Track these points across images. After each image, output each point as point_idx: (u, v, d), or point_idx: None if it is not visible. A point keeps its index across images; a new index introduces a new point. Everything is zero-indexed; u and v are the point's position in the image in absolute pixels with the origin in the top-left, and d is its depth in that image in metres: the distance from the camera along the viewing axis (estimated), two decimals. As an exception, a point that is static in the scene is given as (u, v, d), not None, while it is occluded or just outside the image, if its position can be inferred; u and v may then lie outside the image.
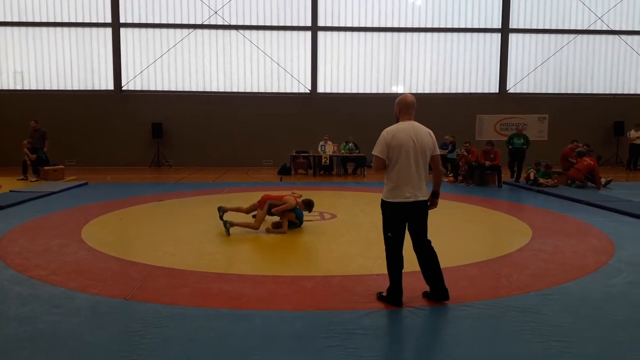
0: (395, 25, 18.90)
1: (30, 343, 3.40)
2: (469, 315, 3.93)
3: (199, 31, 18.37)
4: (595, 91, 19.59)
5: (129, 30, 18.26)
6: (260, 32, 18.52)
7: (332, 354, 3.30)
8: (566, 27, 19.20)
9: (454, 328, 3.70)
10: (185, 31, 18.28)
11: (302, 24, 18.60)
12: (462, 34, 19.03)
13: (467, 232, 7.28)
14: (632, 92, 19.67)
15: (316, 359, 3.23)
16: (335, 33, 18.79)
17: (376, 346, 3.47)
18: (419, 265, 4.19)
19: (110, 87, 18.33)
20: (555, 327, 3.70)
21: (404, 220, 4.10)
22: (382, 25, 18.86)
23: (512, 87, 19.31)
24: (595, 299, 4.34)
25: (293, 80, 18.79)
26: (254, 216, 7.19)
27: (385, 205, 4.12)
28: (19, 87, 18.20)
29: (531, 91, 19.45)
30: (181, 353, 3.26)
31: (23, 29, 18.00)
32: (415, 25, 18.93)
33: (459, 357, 3.22)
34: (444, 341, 3.47)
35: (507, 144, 13.73)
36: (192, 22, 18.26)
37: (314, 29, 18.59)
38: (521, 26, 19.15)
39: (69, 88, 18.28)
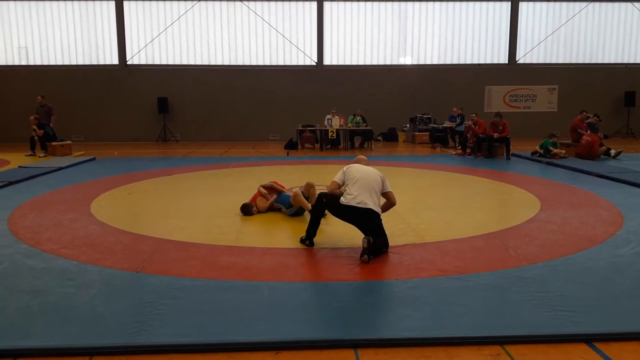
0: (403, -5, 18.55)
1: (44, 315, 3.47)
2: (477, 286, 3.96)
3: (203, 3, 18.13)
4: (606, 61, 19.22)
5: (132, 3, 18.04)
6: (265, 3, 18.24)
7: (338, 325, 3.35)
8: (578, -5, 18.77)
9: (461, 298, 3.73)
10: (189, 3, 18.04)
11: (307, -5, 18.31)
12: (471, 3, 18.64)
13: (475, 204, 7.27)
14: (644, 61, 19.31)
15: (322, 329, 3.28)
16: (341, 3, 18.47)
17: (384, 317, 3.52)
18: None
19: (115, 61, 18.23)
20: (562, 297, 3.72)
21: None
22: (389, -6, 18.51)
23: (522, 57, 18.99)
24: (602, 269, 4.35)
25: (299, 52, 18.59)
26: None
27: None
28: (23, 63, 18.15)
29: (541, 61, 19.12)
30: (192, 323, 3.32)
31: (26, 3, 17.84)
32: (423, -5, 18.57)
33: (467, 327, 3.26)
34: (452, 311, 3.50)
35: None
36: (195, -6, 18.04)
37: (320, -1, 18.29)
38: (531, -6, 18.75)
39: (73, 63, 18.21)
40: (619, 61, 19.24)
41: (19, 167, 10.65)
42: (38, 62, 18.16)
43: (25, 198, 7.49)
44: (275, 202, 6.71)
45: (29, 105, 14.97)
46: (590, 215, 6.33)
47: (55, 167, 10.51)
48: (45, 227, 5.87)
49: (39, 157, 12.93)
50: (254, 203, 6.66)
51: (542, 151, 12.24)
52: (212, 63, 18.48)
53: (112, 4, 17.92)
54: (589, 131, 12.67)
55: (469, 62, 19.00)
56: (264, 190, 6.77)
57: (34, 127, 13.30)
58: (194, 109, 18.27)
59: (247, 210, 6.54)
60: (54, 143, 13.46)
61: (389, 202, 5.08)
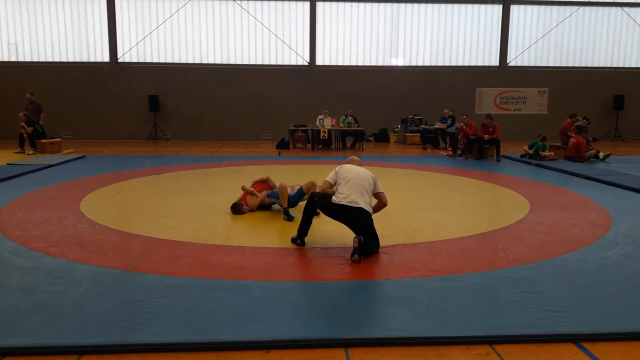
0: (395, -4, 18.61)
1: (33, 313, 3.44)
2: (467, 286, 3.99)
3: (195, 2, 18.06)
4: (596, 64, 19.42)
5: (124, 0, 17.93)
6: (258, 2, 18.21)
7: (329, 324, 3.35)
8: (568, -1, 18.95)
9: (451, 298, 3.75)
10: (181, 1, 17.96)
11: (300, -5, 18.30)
12: (462, 6, 18.74)
13: (465, 205, 7.32)
14: (633, 65, 19.51)
15: (313, 329, 3.28)
16: (334, 4, 18.48)
17: (374, 316, 3.53)
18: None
19: (106, 59, 18.10)
20: (550, 297, 3.75)
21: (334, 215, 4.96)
22: (382, -4, 18.56)
23: (513, 60, 19.13)
24: (591, 271, 4.40)
25: (291, 52, 18.57)
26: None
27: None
28: (13, 59, 17.95)
29: (532, 64, 19.27)
30: (182, 322, 3.31)
31: (16, -1, 17.68)
32: (416, -4, 18.63)
33: (457, 326, 3.28)
34: (443, 311, 3.52)
35: None
36: (188, -8, 17.96)
37: (313, -1, 18.29)
38: (523, -2, 18.89)
39: (64, 60, 18.05)
40: (608, 65, 19.44)
41: (8, 164, 10.53)
42: (28, 59, 17.98)
43: (13, 196, 7.42)
44: (268, 197, 6.73)
45: (18, 102, 14.80)
46: (579, 216, 6.39)
47: (45, 165, 10.42)
48: (33, 225, 5.82)
49: (28, 154, 12.81)
50: (244, 201, 6.65)
51: (531, 152, 12.35)
52: (204, 62, 18.41)
53: (104, 1, 17.79)
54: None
55: (460, 64, 19.11)
56: (249, 189, 6.78)
57: (23, 124, 13.17)
58: (185, 108, 18.18)
59: (237, 209, 6.53)
60: (43, 140, 13.33)
61: (381, 203, 5.09)
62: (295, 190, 6.69)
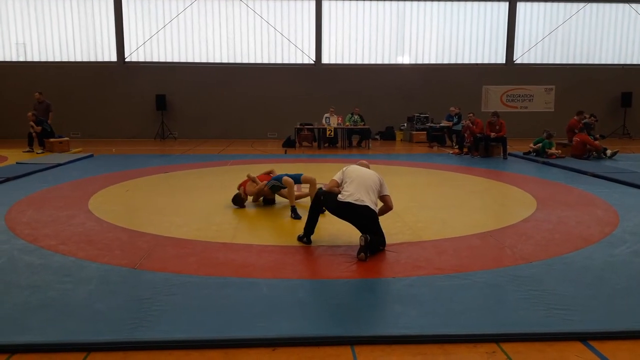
0: (401, -6, 18.55)
1: (42, 311, 3.47)
2: (473, 284, 3.98)
3: (201, 1, 18.10)
4: (603, 61, 19.27)
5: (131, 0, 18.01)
6: (264, 1, 18.21)
7: (335, 322, 3.36)
8: (575, -4, 18.81)
9: (458, 296, 3.75)
10: (188, 1, 18.01)
11: (306, -7, 18.29)
12: (469, 3, 18.66)
13: (472, 204, 7.30)
14: (641, 62, 19.37)
15: (319, 326, 3.29)
16: (340, 2, 18.46)
17: (381, 314, 3.54)
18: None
19: (114, 58, 18.18)
20: (557, 295, 3.74)
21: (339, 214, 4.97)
22: (388, -6, 18.51)
23: (519, 57, 19.03)
24: (598, 269, 4.38)
25: (297, 50, 18.57)
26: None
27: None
28: (21, 59, 18.08)
29: (538, 62, 19.16)
30: (190, 319, 3.33)
31: (24, -1, 17.80)
32: (422, -6, 18.58)
33: (463, 324, 3.28)
34: (449, 309, 3.52)
35: None
36: (194, -9, 18.00)
37: (318, -2, 18.27)
38: (529, -5, 18.77)
39: (71, 59, 18.15)
40: (616, 62, 19.29)
41: (17, 163, 10.63)
42: (36, 59, 18.09)
43: (22, 194, 7.48)
44: (269, 182, 6.73)
45: (27, 101, 14.92)
46: (586, 214, 6.36)
47: (53, 164, 10.50)
48: (43, 223, 5.87)
49: (37, 153, 12.90)
50: (243, 187, 6.71)
51: (535, 147, 12.32)
52: (211, 61, 18.45)
53: (111, 1, 17.86)
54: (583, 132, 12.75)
55: (466, 61, 19.03)
56: (252, 176, 6.86)
57: (32, 123, 13.27)
58: (192, 107, 18.24)
59: (238, 200, 6.63)
60: (51, 139, 13.43)
61: (386, 206, 5.09)
62: (299, 184, 6.80)
